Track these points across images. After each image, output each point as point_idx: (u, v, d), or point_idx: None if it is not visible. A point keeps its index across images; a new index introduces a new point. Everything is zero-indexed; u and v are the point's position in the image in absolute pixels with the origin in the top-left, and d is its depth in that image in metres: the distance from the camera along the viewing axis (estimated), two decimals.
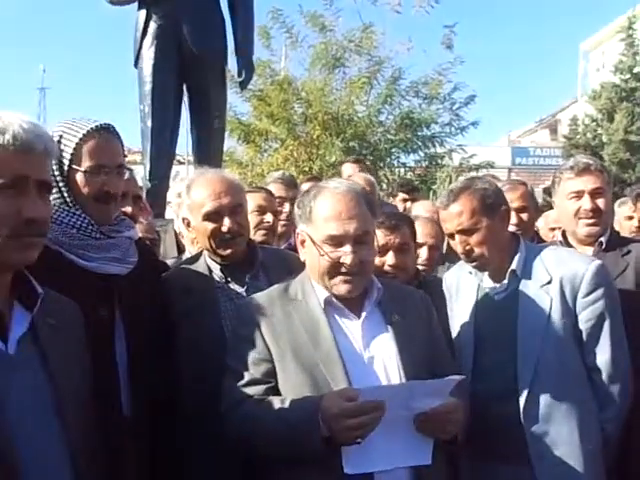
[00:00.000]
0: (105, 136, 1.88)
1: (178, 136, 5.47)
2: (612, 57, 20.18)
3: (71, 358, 1.45)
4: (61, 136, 1.85)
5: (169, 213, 4.56)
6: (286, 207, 3.46)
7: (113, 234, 1.91)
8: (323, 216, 1.82)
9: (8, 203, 1.29)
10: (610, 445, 2.11)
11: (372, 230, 1.90)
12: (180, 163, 12.13)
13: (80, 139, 1.84)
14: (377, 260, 2.21)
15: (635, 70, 17.73)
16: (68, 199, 1.85)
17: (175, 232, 3.92)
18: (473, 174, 12.54)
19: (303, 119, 12.23)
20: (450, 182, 11.48)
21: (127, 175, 1.98)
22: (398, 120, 12.38)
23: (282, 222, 3.33)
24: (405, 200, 4.52)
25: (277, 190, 3.38)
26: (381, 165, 12.39)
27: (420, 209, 3.31)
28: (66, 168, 1.84)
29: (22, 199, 1.30)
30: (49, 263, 1.63)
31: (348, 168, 4.89)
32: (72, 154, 1.83)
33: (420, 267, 2.83)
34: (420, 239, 2.82)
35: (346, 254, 1.80)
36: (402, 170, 13.04)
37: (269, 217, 2.97)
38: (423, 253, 2.88)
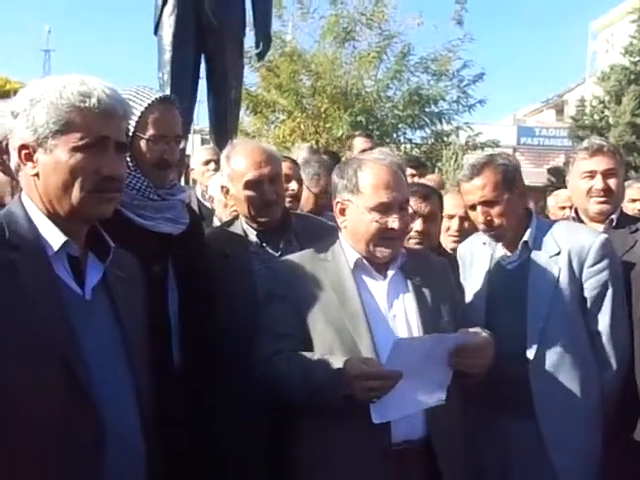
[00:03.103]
0: (167, 107, 2.01)
1: (195, 105, 5.60)
2: (622, 38, 19.99)
3: (135, 309, 1.56)
4: None
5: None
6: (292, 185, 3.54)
7: (168, 197, 2.04)
8: (373, 185, 1.97)
9: (90, 161, 1.40)
10: (608, 403, 2.28)
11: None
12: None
13: (146, 108, 1.96)
14: None
15: None
16: (130, 163, 1.95)
17: (197, 198, 4.08)
18: (479, 152, 12.65)
19: (311, 92, 12.25)
20: (456, 160, 11.58)
21: (182, 145, 2.11)
22: (406, 96, 12.40)
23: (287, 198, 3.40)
24: (413, 175, 4.59)
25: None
26: (387, 141, 12.44)
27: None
28: (130, 134, 1.94)
29: (102, 158, 1.42)
30: (110, 219, 1.79)
31: (360, 142, 5.01)
32: (137, 122, 1.96)
33: (451, 238, 2.92)
34: (451, 210, 2.92)
35: (394, 219, 1.97)
36: (408, 146, 13.11)
37: (294, 185, 3.08)
38: (454, 224, 2.95)
